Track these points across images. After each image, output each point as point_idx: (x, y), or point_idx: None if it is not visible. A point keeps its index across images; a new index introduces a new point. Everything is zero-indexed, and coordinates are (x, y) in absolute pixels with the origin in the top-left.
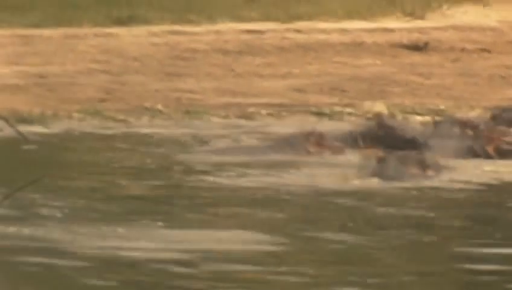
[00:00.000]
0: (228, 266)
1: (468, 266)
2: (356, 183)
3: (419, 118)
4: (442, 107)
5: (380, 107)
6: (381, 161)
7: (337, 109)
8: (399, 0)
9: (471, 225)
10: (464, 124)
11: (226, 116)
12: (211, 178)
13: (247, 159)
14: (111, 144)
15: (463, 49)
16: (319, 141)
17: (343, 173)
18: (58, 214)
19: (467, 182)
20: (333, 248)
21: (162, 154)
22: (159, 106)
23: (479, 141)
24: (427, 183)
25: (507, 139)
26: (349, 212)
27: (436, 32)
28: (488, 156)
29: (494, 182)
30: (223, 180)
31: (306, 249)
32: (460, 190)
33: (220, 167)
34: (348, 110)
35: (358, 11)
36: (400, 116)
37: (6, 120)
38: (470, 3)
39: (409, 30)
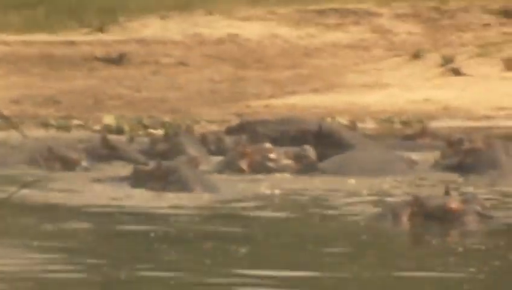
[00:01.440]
0: None
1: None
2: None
3: (153, 131)
4: (166, 120)
5: (108, 120)
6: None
7: (61, 121)
8: (75, 12)
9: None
10: (206, 139)
11: None
12: None
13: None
14: None
15: (158, 62)
16: (51, 155)
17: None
18: None
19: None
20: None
21: None
22: None
23: (232, 156)
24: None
25: (262, 154)
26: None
27: (121, 46)
28: (241, 171)
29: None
30: None
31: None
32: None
33: None
34: (76, 122)
35: (37, 23)
36: (128, 129)
37: (6, 118)
38: (147, 16)
39: (92, 43)
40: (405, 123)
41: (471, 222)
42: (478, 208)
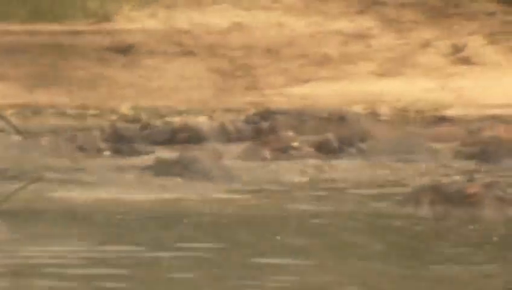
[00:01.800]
0: None
1: None
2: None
3: (170, 120)
4: (182, 108)
5: (125, 108)
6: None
7: (77, 110)
8: (81, 1)
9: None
10: (226, 127)
11: None
12: None
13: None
14: None
15: (166, 52)
16: (73, 145)
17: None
18: None
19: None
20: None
21: None
22: None
23: (254, 145)
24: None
25: (284, 142)
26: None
27: (127, 35)
28: (263, 159)
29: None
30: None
31: None
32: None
33: None
34: (92, 111)
35: (41, 12)
36: (145, 118)
37: (8, 122)
38: (154, 5)
39: (99, 32)
40: (421, 112)
41: (492, 208)
42: (500, 193)
